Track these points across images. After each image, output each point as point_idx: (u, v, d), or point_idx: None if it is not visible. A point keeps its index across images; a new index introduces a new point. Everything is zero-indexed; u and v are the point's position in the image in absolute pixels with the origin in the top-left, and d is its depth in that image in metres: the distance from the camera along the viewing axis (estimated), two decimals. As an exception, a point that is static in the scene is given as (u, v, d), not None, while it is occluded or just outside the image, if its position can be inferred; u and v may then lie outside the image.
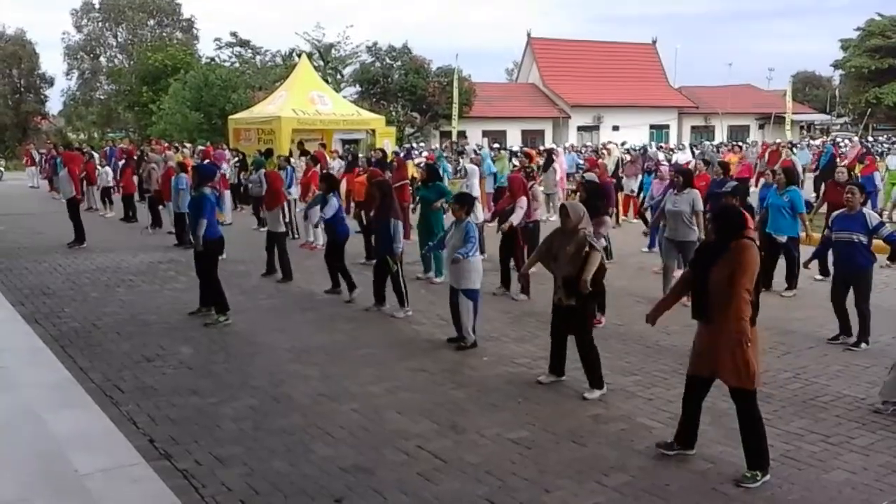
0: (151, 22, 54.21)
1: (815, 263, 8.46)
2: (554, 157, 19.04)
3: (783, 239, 10.13)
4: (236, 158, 20.08)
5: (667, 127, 49.52)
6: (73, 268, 12.34)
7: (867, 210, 8.04)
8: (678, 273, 9.21)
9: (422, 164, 21.26)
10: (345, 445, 5.54)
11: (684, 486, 4.93)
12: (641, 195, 16.00)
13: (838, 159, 22.33)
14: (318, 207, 10.46)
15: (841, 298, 8.05)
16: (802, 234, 10.40)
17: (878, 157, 23.43)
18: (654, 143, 35.99)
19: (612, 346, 7.92)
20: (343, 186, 19.10)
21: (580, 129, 47.32)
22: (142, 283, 11.21)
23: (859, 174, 19.12)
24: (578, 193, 9.08)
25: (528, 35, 50.54)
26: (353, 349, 7.92)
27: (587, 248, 6.46)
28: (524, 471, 5.12)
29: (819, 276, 10.65)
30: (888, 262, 7.89)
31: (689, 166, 15.78)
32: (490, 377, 7.05)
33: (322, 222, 10.51)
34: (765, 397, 6.45)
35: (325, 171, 13.19)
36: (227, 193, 18.19)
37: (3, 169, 35.48)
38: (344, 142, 30.07)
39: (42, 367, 7.20)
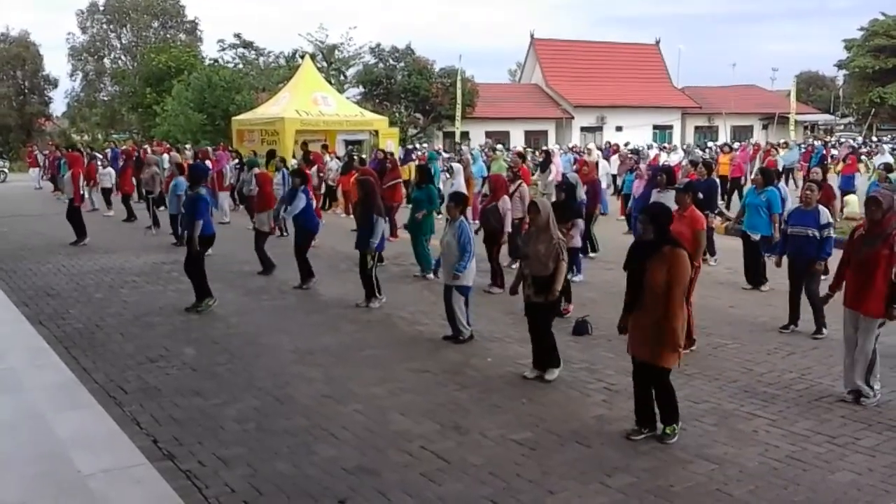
0: (156, 24, 54.25)
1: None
2: (551, 158, 19.02)
3: (756, 237, 10.26)
4: (235, 160, 20.11)
5: (670, 127, 49.45)
6: (77, 269, 12.36)
7: (822, 207, 8.35)
8: None
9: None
10: (348, 446, 5.53)
11: (688, 487, 4.91)
12: (622, 194, 16.26)
13: (829, 160, 22.56)
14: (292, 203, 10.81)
15: (797, 289, 8.43)
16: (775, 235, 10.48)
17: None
18: (656, 144, 36.00)
19: (616, 347, 7.88)
20: (340, 188, 19.21)
21: (583, 129, 47.25)
22: (145, 283, 11.22)
23: (839, 173, 19.28)
24: (558, 194, 9.22)
25: (532, 36, 50.50)
26: (357, 350, 7.92)
27: (558, 258, 6.69)
28: (528, 472, 5.11)
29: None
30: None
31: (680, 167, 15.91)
32: (493, 378, 7.04)
33: (291, 216, 10.91)
34: (769, 398, 6.45)
35: (296, 167, 13.31)
36: (226, 194, 18.18)
37: (7, 170, 35.59)
38: (347, 143, 30.08)
39: (46, 368, 7.20)
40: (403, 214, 14.89)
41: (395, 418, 6.06)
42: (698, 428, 5.76)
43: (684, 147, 33.21)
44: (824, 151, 24.85)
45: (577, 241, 9.54)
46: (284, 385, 6.83)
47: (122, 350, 7.90)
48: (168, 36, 53.54)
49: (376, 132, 27.18)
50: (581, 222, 9.23)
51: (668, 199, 9.53)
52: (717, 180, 15.01)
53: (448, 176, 15.74)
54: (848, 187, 18.08)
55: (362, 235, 9.56)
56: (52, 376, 6.98)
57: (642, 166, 14.31)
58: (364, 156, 21.65)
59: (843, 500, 4.77)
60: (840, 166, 20.73)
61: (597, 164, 19.55)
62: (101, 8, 53.09)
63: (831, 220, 8.42)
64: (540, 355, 7.01)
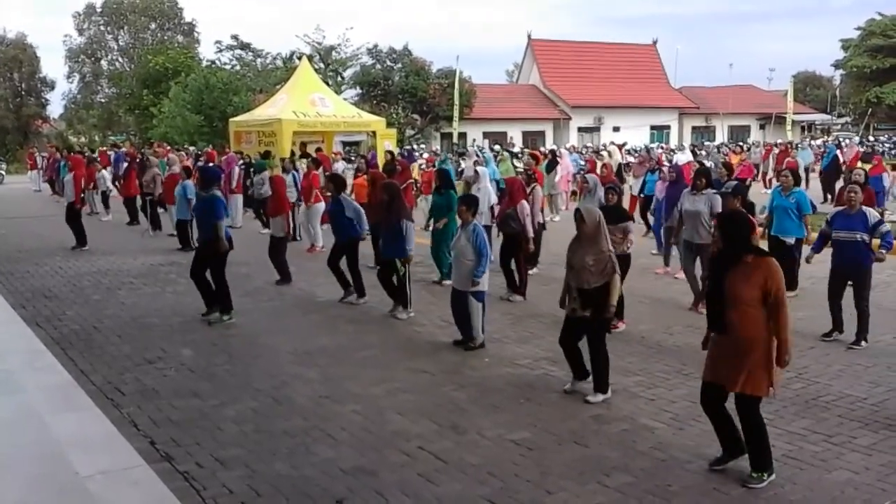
0: (153, 25, 54.32)
1: (816, 258, 8.51)
2: (558, 158, 19.05)
3: (791, 241, 10.01)
4: (241, 162, 20.09)
5: (668, 128, 49.51)
6: (75, 271, 12.35)
7: (867, 208, 8.10)
8: (699, 273, 9.18)
9: (422, 167, 21.31)
10: (346, 447, 5.53)
11: (686, 486, 4.92)
12: (642, 195, 15.99)
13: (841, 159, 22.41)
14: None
15: (838, 295, 8.14)
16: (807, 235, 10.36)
17: (884, 157, 23.34)
18: (655, 144, 36.03)
19: (615, 347, 7.87)
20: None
21: (581, 130, 47.32)
22: (143, 285, 11.22)
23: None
24: (609, 197, 8.89)
25: (529, 36, 50.56)
26: (355, 351, 7.92)
27: (612, 270, 6.32)
28: (526, 472, 5.11)
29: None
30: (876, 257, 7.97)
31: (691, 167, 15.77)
32: (491, 378, 7.04)
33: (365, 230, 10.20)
34: (766, 398, 6.44)
35: (330, 173, 13.09)
36: (239, 197, 18.06)
37: (3, 172, 35.58)
38: (345, 144, 30.09)
39: (43, 370, 7.20)
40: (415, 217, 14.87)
41: (393, 418, 6.06)
42: (696, 427, 5.77)
43: (691, 147, 33.14)
44: (837, 152, 24.65)
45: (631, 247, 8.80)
46: (282, 386, 6.84)
47: (120, 352, 7.90)
48: (165, 38, 53.59)
49: (374, 133, 27.18)
50: (632, 225, 8.69)
51: (703, 202, 9.40)
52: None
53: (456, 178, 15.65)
54: (877, 188, 17.90)
55: (388, 242, 9.25)
56: (50, 378, 6.97)
57: (665, 168, 14.13)
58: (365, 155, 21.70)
59: (839, 498, 4.78)
60: (868, 167, 20.55)
61: (620, 166, 19.56)
62: (99, 10, 53.13)
63: (880, 217, 8.15)
64: (580, 367, 6.65)
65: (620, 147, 27.50)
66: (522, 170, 14.53)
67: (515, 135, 44.72)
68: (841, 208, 8.26)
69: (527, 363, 7.41)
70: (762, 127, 50.40)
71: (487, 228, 10.31)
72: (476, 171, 13.34)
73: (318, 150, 21.84)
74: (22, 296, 10.51)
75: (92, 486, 4.87)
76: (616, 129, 45.76)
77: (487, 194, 11.93)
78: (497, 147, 31.62)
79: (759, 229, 9.47)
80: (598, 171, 17.37)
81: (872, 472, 5.09)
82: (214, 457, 5.36)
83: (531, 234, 10.19)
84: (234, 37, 45.43)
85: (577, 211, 6.63)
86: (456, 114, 37.21)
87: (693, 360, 7.24)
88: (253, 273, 11.84)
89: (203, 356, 7.75)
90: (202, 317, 9.18)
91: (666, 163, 21.39)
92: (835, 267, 8.17)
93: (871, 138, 40.67)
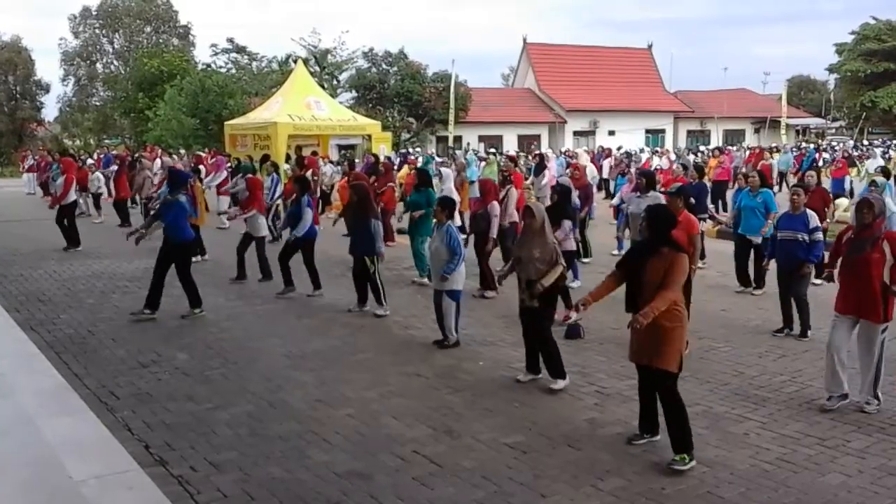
0: (148, 28, 54.30)
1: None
2: (546, 162, 19.06)
3: (758, 239, 10.24)
4: (228, 164, 20.09)
5: (662, 131, 49.65)
6: (69, 274, 12.32)
7: (811, 212, 8.41)
8: None
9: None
10: (340, 451, 5.53)
11: (680, 489, 4.93)
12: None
13: (820, 163, 22.74)
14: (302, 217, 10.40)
15: (786, 293, 8.44)
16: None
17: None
18: (648, 148, 36.13)
19: (608, 350, 7.93)
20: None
21: (576, 133, 47.42)
22: (137, 288, 11.17)
23: (829, 177, 19.41)
24: (551, 196, 9.33)
25: (525, 40, 50.65)
26: (349, 354, 7.92)
27: (554, 260, 6.69)
28: (520, 475, 5.12)
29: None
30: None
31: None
32: (486, 381, 7.05)
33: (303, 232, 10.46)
34: (760, 401, 6.48)
35: (297, 175, 13.22)
36: (226, 199, 18.11)
37: (-2, 176, 35.48)
38: (340, 147, 30.06)
39: (37, 374, 7.16)
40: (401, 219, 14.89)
41: (387, 422, 6.06)
42: (690, 431, 5.77)
43: (675, 150, 33.34)
44: (815, 155, 25.02)
45: (571, 244, 9.53)
46: (277, 389, 6.83)
47: (114, 355, 7.88)
48: (161, 41, 53.53)
49: (369, 137, 27.19)
50: (568, 224, 9.20)
51: (646, 203, 9.51)
52: (707, 184, 15.02)
53: (438, 181, 15.78)
54: (838, 191, 18.13)
55: (359, 241, 9.48)
56: (44, 382, 6.94)
57: (632, 170, 14.41)
58: (357, 160, 21.70)
59: (833, 501, 4.79)
60: (829, 170, 20.90)
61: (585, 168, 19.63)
62: (94, 13, 53.06)
63: (819, 224, 8.45)
64: (534, 359, 6.98)
65: (609, 153, 27.62)
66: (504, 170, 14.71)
67: (511, 138, 44.84)
68: (786, 210, 8.59)
69: (521, 366, 7.39)
70: (757, 131, 50.57)
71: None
72: (440, 172, 13.48)
73: (314, 153, 21.85)
74: (16, 299, 10.48)
75: (86, 490, 4.85)
76: (611, 132, 45.87)
77: (448, 194, 12.17)
78: (492, 150, 31.68)
79: (709, 225, 9.74)
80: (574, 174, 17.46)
81: (866, 475, 5.11)
82: (209, 461, 5.35)
83: (493, 234, 10.41)
84: (230, 40, 45.52)
85: (527, 208, 7.06)
86: (452, 117, 37.26)
87: (685, 364, 7.25)
88: (247, 276, 11.80)
89: (197, 359, 7.74)
90: (182, 318, 9.38)
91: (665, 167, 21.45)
92: (779, 265, 8.48)
93: (866, 142, 40.82)
